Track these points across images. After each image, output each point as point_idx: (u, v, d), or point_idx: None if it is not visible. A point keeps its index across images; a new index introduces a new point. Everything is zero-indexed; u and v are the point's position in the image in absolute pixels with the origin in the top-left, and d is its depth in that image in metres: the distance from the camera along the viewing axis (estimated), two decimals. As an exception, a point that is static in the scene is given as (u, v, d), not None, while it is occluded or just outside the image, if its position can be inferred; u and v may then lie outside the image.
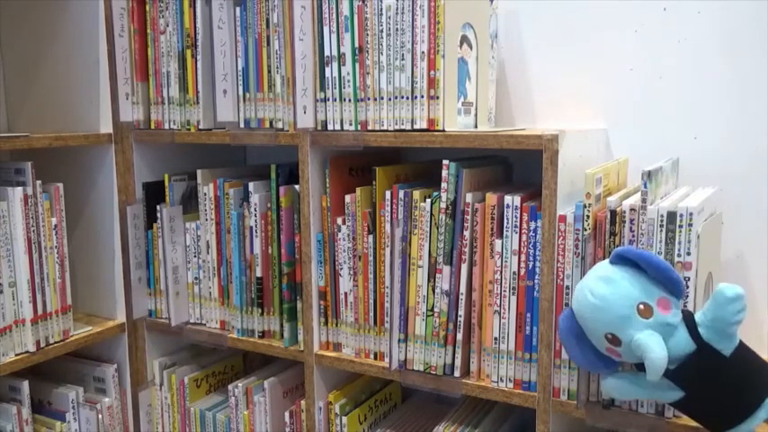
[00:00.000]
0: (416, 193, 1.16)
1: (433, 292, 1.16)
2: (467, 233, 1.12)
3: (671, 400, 0.92)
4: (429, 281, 1.16)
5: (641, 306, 0.88)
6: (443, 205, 1.13)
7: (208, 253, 1.42)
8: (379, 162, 1.25)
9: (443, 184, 1.13)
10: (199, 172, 1.41)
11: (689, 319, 0.89)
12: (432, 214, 1.15)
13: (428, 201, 1.15)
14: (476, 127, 1.25)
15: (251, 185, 1.33)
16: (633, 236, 0.98)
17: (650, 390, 0.92)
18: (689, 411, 0.93)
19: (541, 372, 1.08)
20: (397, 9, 1.15)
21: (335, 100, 1.22)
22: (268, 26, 1.28)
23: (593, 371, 1.01)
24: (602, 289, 0.89)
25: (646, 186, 0.96)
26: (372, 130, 1.20)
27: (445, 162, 1.13)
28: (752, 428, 0.88)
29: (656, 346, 0.85)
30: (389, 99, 1.18)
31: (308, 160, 1.26)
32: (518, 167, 1.33)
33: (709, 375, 0.88)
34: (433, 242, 1.15)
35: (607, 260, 0.94)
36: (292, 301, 1.33)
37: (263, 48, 1.30)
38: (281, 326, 1.36)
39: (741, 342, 0.89)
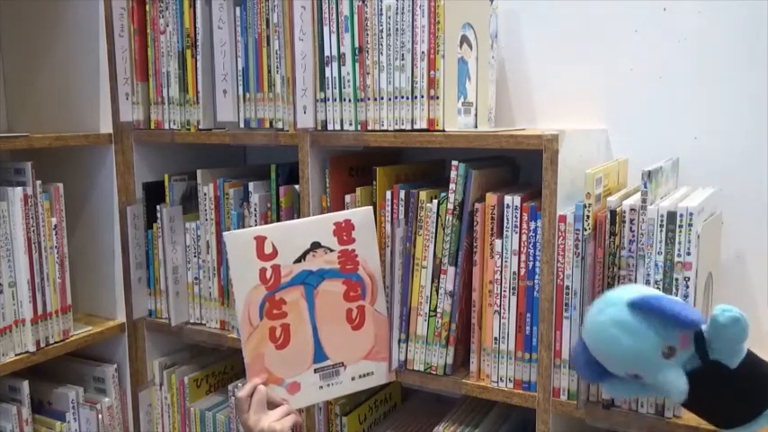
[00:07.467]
0: (423, 194, 1.16)
1: (437, 293, 1.16)
2: (474, 234, 1.12)
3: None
4: (433, 282, 1.16)
5: (666, 350, 0.87)
6: (451, 206, 1.13)
7: (208, 253, 1.42)
8: (379, 162, 1.25)
9: (451, 185, 1.12)
10: (199, 172, 1.41)
11: (699, 338, 0.88)
12: (438, 215, 1.14)
13: (435, 201, 1.15)
14: (476, 127, 1.25)
15: (251, 185, 1.33)
16: (633, 236, 0.98)
17: (653, 389, 0.92)
18: (692, 410, 0.93)
19: (541, 372, 1.08)
20: (397, 9, 1.15)
21: (335, 100, 1.22)
22: (268, 26, 1.28)
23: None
24: (625, 340, 0.87)
25: (646, 186, 0.96)
26: (372, 130, 1.20)
27: (454, 163, 1.12)
28: None
29: (678, 384, 0.86)
30: (389, 99, 1.18)
31: (308, 160, 1.26)
32: (525, 168, 1.33)
33: (714, 386, 0.88)
34: (438, 243, 1.15)
35: (622, 301, 0.89)
36: (292, 301, 1.33)
37: (263, 48, 1.29)
38: (281, 326, 1.35)
39: (749, 351, 0.88)
